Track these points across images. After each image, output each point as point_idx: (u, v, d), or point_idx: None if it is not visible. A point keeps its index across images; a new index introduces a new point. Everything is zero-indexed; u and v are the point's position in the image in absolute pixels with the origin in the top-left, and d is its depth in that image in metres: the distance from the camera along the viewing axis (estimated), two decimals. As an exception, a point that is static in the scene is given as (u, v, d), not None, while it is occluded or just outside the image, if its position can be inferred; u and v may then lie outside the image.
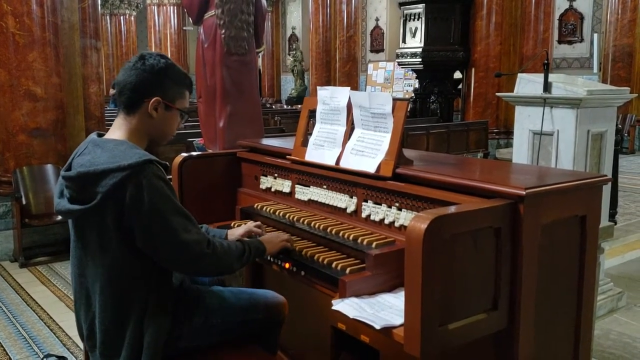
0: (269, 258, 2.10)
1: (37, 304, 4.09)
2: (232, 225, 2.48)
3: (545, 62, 3.21)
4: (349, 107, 2.25)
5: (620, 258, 4.85)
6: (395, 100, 2.09)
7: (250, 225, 2.27)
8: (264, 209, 2.46)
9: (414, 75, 12.87)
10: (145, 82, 1.83)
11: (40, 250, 5.12)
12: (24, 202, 4.96)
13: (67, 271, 4.73)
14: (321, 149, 2.33)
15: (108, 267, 1.74)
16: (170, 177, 2.63)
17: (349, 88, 2.29)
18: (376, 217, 2.07)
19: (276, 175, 2.58)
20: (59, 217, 4.98)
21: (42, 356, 3.27)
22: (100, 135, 1.89)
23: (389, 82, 17.32)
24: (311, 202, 2.38)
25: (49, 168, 5.18)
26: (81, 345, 2.86)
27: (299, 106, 14.73)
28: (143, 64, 1.84)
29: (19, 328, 3.68)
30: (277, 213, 2.38)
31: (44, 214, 5.04)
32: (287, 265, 2.04)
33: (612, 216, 5.39)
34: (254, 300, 2.06)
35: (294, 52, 19.99)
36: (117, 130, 1.86)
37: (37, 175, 5.12)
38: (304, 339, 2.59)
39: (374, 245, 1.93)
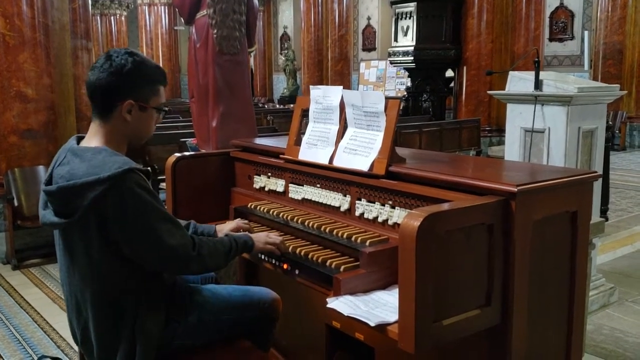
0: (263, 257, 2.11)
1: (30, 306, 4.07)
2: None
3: (536, 59, 3.23)
4: (342, 106, 2.25)
5: (612, 254, 4.88)
6: (387, 98, 2.11)
7: (238, 221, 2.28)
8: (258, 208, 2.46)
9: (406, 73, 12.90)
10: (115, 86, 1.76)
11: (33, 252, 5.09)
12: (15, 203, 4.94)
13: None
14: (314, 148, 2.34)
15: (97, 276, 1.73)
16: (163, 177, 2.64)
17: (341, 87, 2.30)
18: (370, 215, 2.08)
19: (270, 174, 2.59)
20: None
21: (36, 358, 3.26)
22: (80, 139, 1.85)
23: (381, 80, 17.35)
24: (305, 201, 2.39)
25: (41, 169, 5.15)
26: (76, 347, 2.86)
27: (291, 105, 14.71)
28: (110, 65, 1.76)
29: (13, 330, 3.67)
30: (271, 212, 2.39)
31: (37, 216, 4.95)
32: (285, 266, 2.04)
33: (603, 212, 5.45)
34: (247, 298, 2.06)
35: (285, 52, 19.97)
36: (94, 137, 1.81)
37: (29, 177, 5.09)
38: (299, 337, 2.59)
39: (367, 243, 1.94)
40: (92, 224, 1.67)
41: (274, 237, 2.11)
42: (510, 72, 3.38)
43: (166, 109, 1.96)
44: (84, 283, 1.76)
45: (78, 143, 1.83)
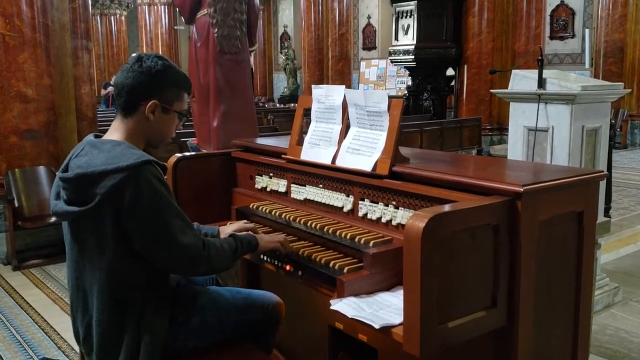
0: (265, 258, 2.09)
1: (31, 307, 4.06)
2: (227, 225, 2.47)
3: (540, 58, 3.20)
4: (344, 105, 2.23)
5: (615, 253, 4.86)
6: (391, 98, 2.09)
7: (241, 223, 2.27)
8: (260, 208, 2.44)
9: (407, 72, 12.88)
10: (142, 85, 1.81)
11: (33, 252, 5.08)
12: (16, 204, 4.92)
13: (61, 274, 4.70)
14: (317, 148, 2.32)
15: (106, 270, 1.72)
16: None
17: (344, 86, 2.28)
18: (373, 216, 2.06)
19: (272, 174, 2.57)
20: (53, 219, 4.94)
21: (37, 360, 3.25)
22: (97, 137, 1.87)
23: (382, 79, 17.32)
24: (307, 202, 2.37)
25: (42, 170, 5.14)
26: (76, 348, 2.84)
27: (292, 105, 14.70)
28: (140, 66, 1.82)
29: (13, 332, 3.65)
30: (273, 213, 2.37)
31: (37, 216, 5.01)
32: (288, 267, 2.02)
33: (606, 211, 5.41)
34: (250, 301, 2.06)
35: (286, 51, 19.95)
36: (115, 132, 1.85)
37: (29, 177, 5.08)
38: (301, 338, 2.58)
39: (371, 244, 1.92)
40: (107, 214, 1.67)
41: (278, 236, 2.10)
42: (514, 71, 3.36)
43: (187, 116, 2.00)
44: (92, 277, 1.75)
45: (96, 138, 1.85)
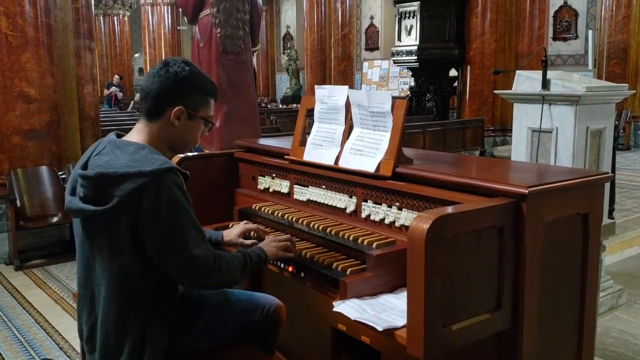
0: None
1: (33, 307, 4.05)
2: (229, 226, 2.46)
3: (544, 59, 3.19)
4: (348, 106, 2.22)
5: (619, 255, 4.83)
6: (394, 98, 2.07)
7: (243, 224, 2.25)
8: (262, 209, 2.43)
9: (410, 73, 12.87)
10: (169, 91, 1.80)
11: (35, 252, 5.08)
12: (18, 204, 4.92)
13: (63, 274, 4.70)
14: (319, 149, 2.31)
15: (116, 272, 1.70)
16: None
17: (347, 87, 2.26)
18: (376, 217, 2.05)
19: (274, 175, 2.56)
20: (55, 219, 4.96)
21: (38, 360, 3.24)
22: (119, 136, 1.85)
23: (385, 80, 17.29)
24: (310, 203, 2.35)
25: (44, 170, 5.14)
26: (78, 348, 2.84)
27: (295, 105, 14.70)
28: (167, 71, 1.80)
29: (15, 332, 3.65)
30: (275, 214, 2.36)
31: (39, 216, 5.01)
32: (290, 269, 2.01)
33: (610, 213, 5.39)
34: (253, 302, 2.05)
35: (288, 51, 19.94)
36: (138, 135, 1.83)
37: (31, 177, 5.08)
38: (304, 340, 2.56)
39: (374, 245, 1.91)
40: (122, 217, 1.64)
41: (282, 237, 2.07)
42: (517, 72, 3.34)
43: (213, 123, 1.97)
44: (101, 277, 1.73)
45: (118, 138, 1.83)
